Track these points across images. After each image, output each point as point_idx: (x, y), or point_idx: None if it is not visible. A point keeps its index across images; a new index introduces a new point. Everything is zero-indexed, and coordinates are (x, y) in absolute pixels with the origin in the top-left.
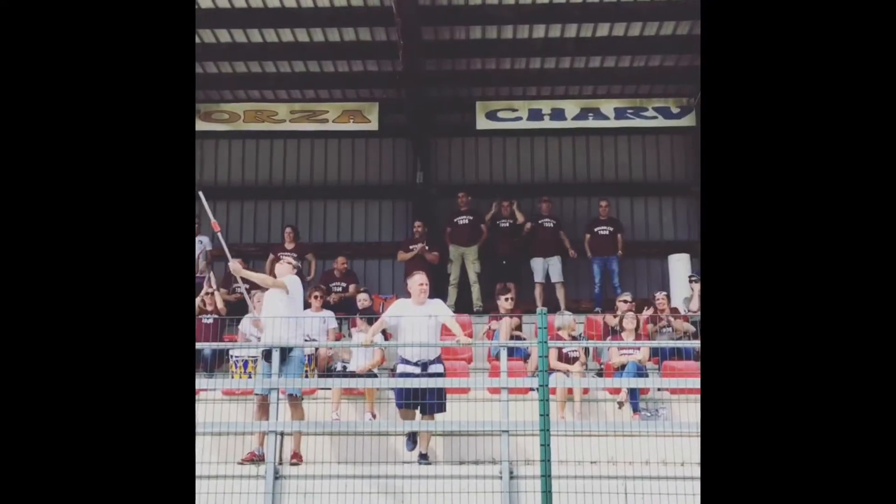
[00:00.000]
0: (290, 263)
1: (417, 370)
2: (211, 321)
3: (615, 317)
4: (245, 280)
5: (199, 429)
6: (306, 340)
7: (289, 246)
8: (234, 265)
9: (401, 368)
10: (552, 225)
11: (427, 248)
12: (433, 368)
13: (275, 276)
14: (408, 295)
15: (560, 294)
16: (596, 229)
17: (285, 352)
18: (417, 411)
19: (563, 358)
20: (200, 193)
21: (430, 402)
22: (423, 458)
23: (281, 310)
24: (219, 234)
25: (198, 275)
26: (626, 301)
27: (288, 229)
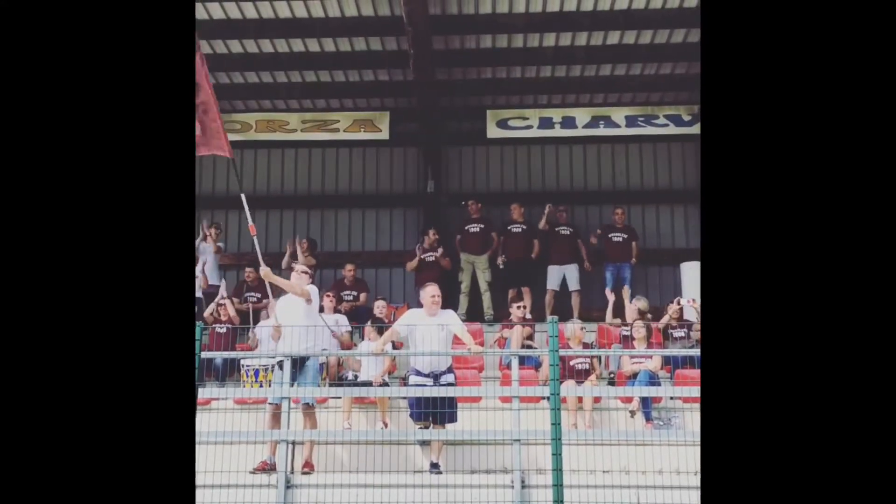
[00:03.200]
0: (305, 273)
1: (430, 382)
2: (224, 330)
3: (627, 325)
4: (249, 288)
5: (210, 438)
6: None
7: (300, 254)
8: (265, 270)
9: (413, 380)
10: (569, 233)
11: (441, 253)
12: (445, 379)
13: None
14: (419, 305)
15: (575, 302)
16: (610, 235)
17: (301, 361)
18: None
19: (570, 371)
20: (243, 196)
21: (442, 411)
22: (435, 467)
23: (301, 318)
24: (254, 239)
25: (211, 283)
26: (637, 308)
27: (304, 241)
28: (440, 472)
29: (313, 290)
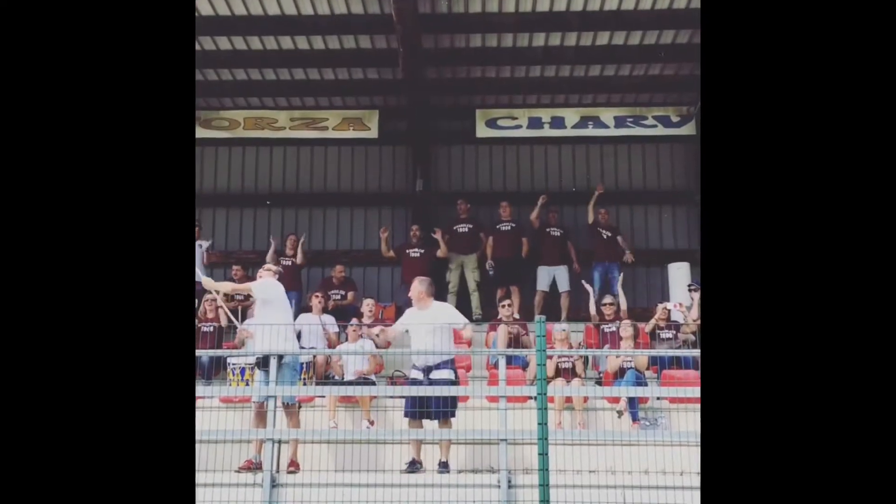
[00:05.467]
0: (269, 270)
1: (420, 375)
2: (210, 329)
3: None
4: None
5: (196, 436)
6: (303, 348)
7: (289, 252)
8: (207, 281)
9: (413, 375)
10: (559, 234)
11: (424, 252)
12: (438, 374)
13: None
14: (409, 303)
15: (564, 303)
16: (599, 229)
17: (279, 359)
18: (429, 421)
19: (557, 371)
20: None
21: (437, 409)
22: (444, 466)
23: (267, 316)
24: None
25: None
26: (609, 304)
27: (291, 237)
28: (447, 472)
29: (268, 284)
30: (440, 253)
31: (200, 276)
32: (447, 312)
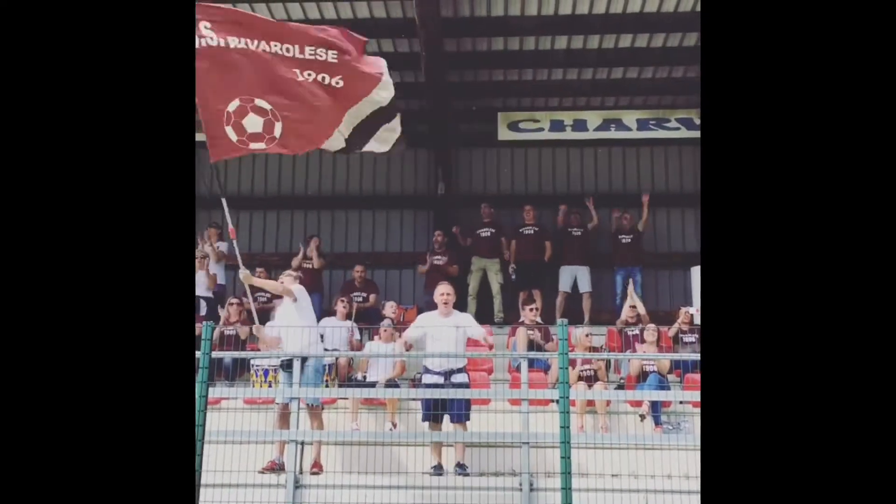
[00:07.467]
0: (290, 275)
1: (441, 379)
2: (233, 332)
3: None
4: (253, 289)
5: (219, 437)
6: (327, 350)
7: (311, 255)
8: (244, 273)
9: (425, 379)
10: (580, 234)
11: (448, 259)
12: (457, 378)
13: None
14: (431, 306)
15: (586, 305)
16: (619, 236)
17: (302, 361)
18: (444, 421)
19: (579, 378)
20: (224, 200)
21: (458, 412)
22: (461, 467)
23: (294, 319)
24: (234, 242)
25: (220, 283)
26: (631, 307)
27: (315, 239)
28: (467, 474)
29: (300, 288)
30: (452, 270)
31: (241, 269)
32: (468, 322)
